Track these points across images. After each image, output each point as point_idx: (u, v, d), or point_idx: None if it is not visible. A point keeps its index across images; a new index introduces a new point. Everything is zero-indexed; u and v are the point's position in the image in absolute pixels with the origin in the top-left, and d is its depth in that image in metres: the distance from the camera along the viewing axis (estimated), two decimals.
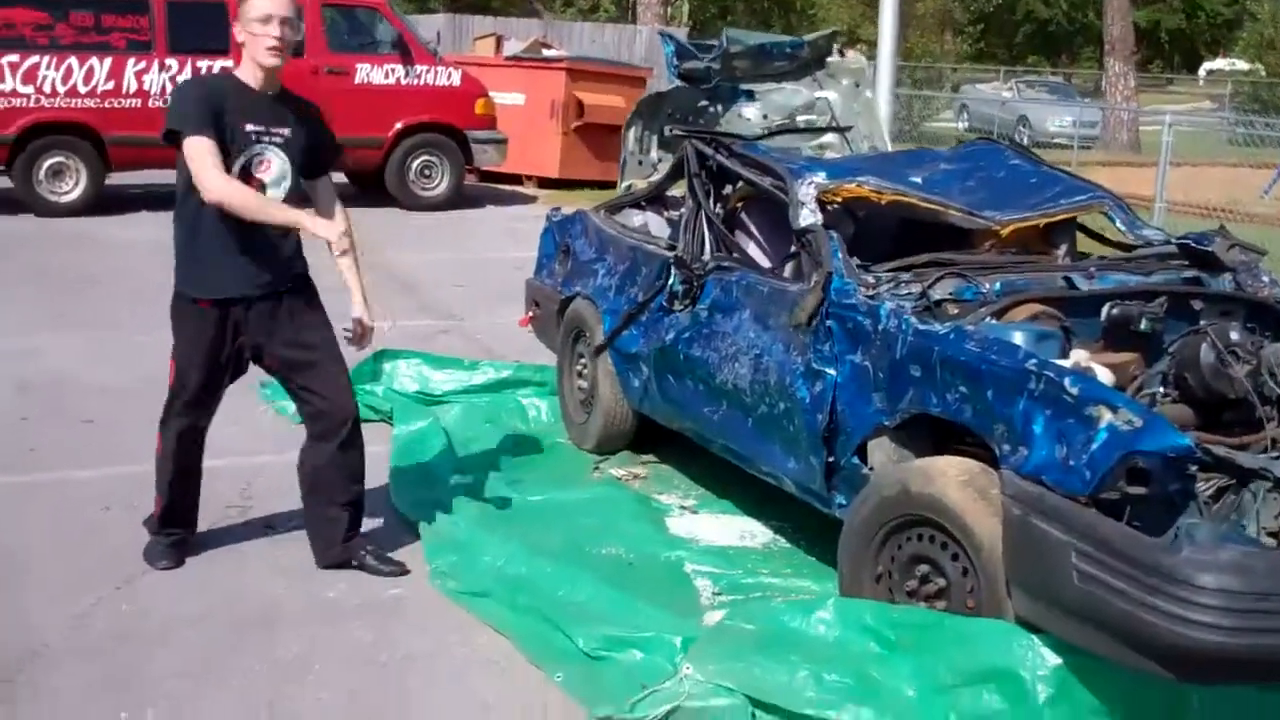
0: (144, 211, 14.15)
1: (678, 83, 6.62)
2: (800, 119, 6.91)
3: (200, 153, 4.38)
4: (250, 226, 4.50)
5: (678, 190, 6.31)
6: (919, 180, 5.49)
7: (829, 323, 4.55)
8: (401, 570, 4.98)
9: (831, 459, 4.53)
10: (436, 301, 10.19)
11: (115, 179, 14.25)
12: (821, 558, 5.09)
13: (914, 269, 4.71)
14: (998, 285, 4.60)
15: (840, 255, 4.70)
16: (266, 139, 4.54)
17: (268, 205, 4.50)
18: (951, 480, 3.90)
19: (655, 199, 6.56)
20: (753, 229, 5.79)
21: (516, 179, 17.83)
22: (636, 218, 6.53)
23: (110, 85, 13.71)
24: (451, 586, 4.83)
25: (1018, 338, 4.03)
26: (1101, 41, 33.42)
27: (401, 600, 4.79)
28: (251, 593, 4.78)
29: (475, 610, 4.66)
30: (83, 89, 13.61)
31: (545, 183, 17.51)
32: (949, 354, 4.01)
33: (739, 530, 5.51)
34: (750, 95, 6.85)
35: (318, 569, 4.98)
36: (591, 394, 6.36)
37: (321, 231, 4.50)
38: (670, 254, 5.72)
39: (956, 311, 4.44)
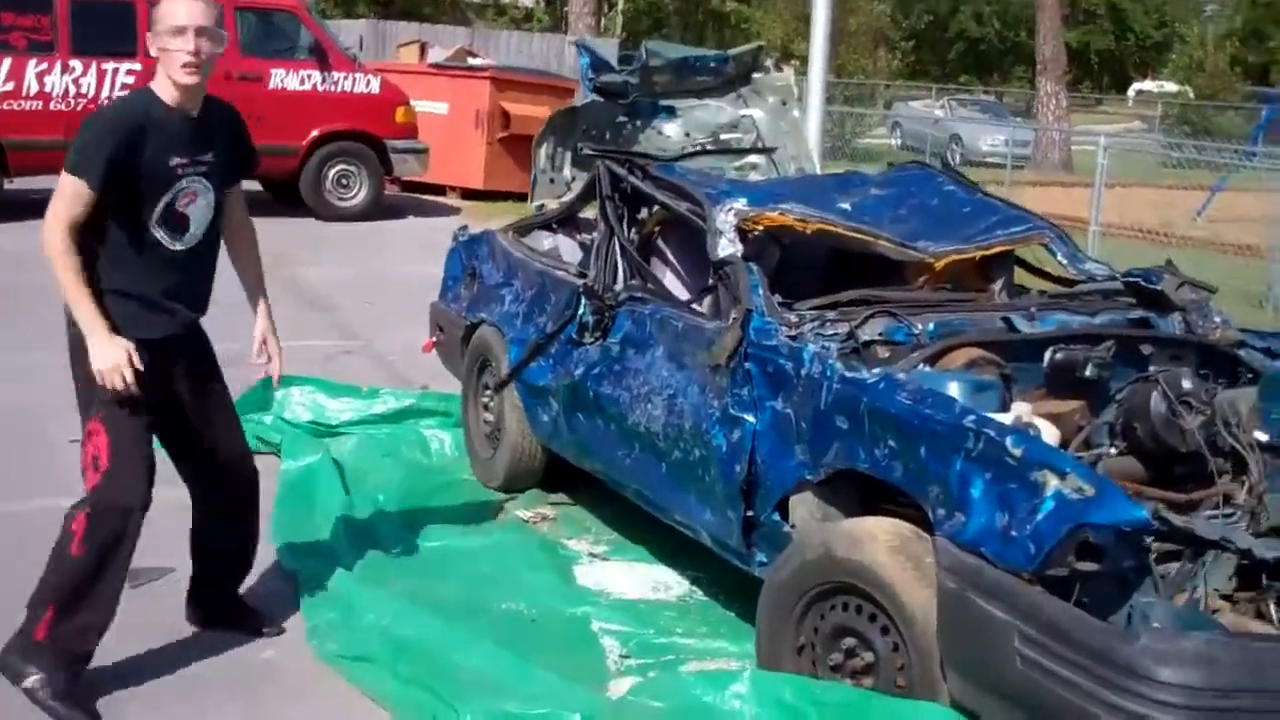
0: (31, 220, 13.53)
1: (593, 96, 6.21)
2: (724, 137, 6.53)
3: (66, 195, 3.80)
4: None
5: (591, 212, 5.89)
6: (847, 207, 5.13)
7: (748, 365, 4.15)
8: (277, 630, 4.52)
9: (750, 513, 4.13)
10: (344, 320, 9.71)
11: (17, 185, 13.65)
12: (741, 614, 4.68)
13: (841, 307, 4.33)
14: (931, 326, 4.23)
15: (761, 291, 4.30)
16: (191, 170, 3.97)
17: (77, 297, 3.82)
18: (881, 545, 3.51)
19: (567, 221, 6.13)
20: (670, 257, 5.38)
21: (440, 189, 17.38)
22: (547, 240, 6.11)
23: (9, 87, 13.11)
24: (330, 649, 4.37)
25: (953, 388, 3.65)
26: (1033, 61, 33.45)
27: (274, 665, 4.33)
28: (104, 651, 4.28)
29: (354, 677, 4.21)
30: None
31: (469, 194, 17.06)
32: (878, 405, 3.62)
33: (652, 581, 5.09)
34: (671, 112, 6.45)
35: (184, 624, 4.50)
36: (498, 428, 5.92)
37: (97, 363, 3.84)
38: (580, 282, 5.30)
39: (887, 355, 4.06)
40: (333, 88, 14.65)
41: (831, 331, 4.15)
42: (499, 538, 5.35)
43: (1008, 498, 3.21)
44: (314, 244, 13.13)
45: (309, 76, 14.51)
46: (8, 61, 13.06)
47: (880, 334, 4.17)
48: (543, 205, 6.31)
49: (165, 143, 3.89)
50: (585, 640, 4.54)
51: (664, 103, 6.42)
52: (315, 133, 14.54)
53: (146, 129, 3.86)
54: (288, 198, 14.93)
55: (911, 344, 4.15)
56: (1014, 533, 3.17)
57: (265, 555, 5.10)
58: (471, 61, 18.36)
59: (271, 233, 13.89)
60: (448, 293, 6.61)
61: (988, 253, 4.94)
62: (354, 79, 14.78)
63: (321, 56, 14.57)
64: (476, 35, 25.46)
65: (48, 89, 13.27)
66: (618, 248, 5.19)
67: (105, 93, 13.47)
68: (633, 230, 5.35)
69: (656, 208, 5.26)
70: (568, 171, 6.27)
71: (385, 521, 5.43)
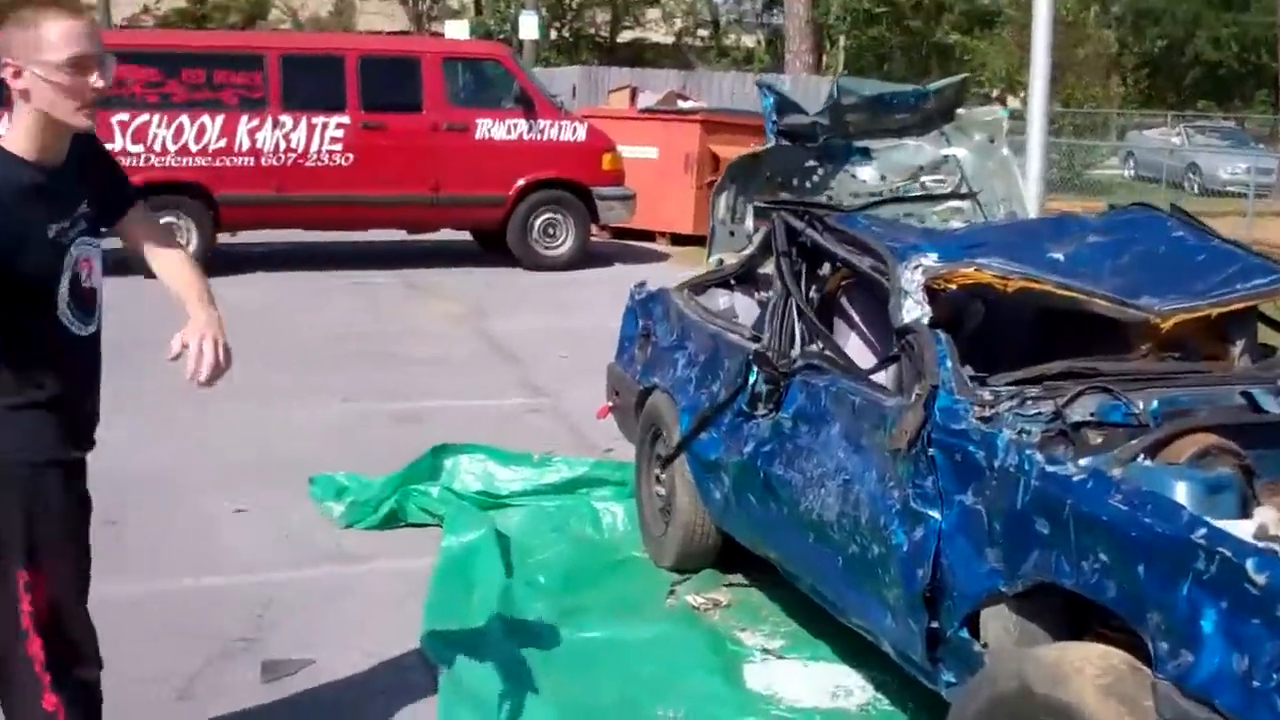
0: (260, 272, 13.70)
1: (779, 140, 5.69)
2: (924, 180, 5.92)
3: None
4: None
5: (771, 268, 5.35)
6: (1059, 257, 4.48)
7: (932, 451, 3.55)
8: None
9: (935, 624, 3.52)
10: (533, 375, 9.36)
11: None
12: None
13: (1046, 380, 3.69)
14: (1155, 405, 3.56)
15: (950, 364, 3.69)
16: (74, 234, 3.07)
17: None
18: (1089, 683, 2.86)
19: (746, 277, 5.61)
20: (856, 319, 4.80)
21: (650, 235, 17.07)
22: (723, 299, 5.59)
23: (222, 143, 13.30)
24: None
25: (1181, 490, 2.99)
26: (1276, 84, 31.50)
27: None
28: None
29: None
30: (194, 147, 13.21)
31: (679, 239, 16.68)
32: (1086, 510, 2.99)
33: (832, 685, 4.49)
34: (866, 154, 5.88)
35: None
36: (669, 503, 5.42)
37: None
38: (753, 347, 4.77)
39: (1099, 441, 3.41)
40: (539, 136, 14.49)
41: (1033, 411, 3.53)
42: (664, 629, 4.83)
43: (1248, 636, 2.55)
44: (514, 295, 12.93)
45: (515, 125, 14.38)
46: (221, 118, 13.26)
47: (1092, 414, 3.53)
48: (721, 260, 5.81)
49: (39, 211, 2.99)
50: None
51: (858, 144, 5.87)
52: (521, 182, 14.39)
53: (9, 205, 2.93)
54: (495, 248, 14.81)
55: (1130, 427, 3.49)
56: (1257, 682, 2.50)
57: (413, 640, 4.73)
58: (681, 105, 18.03)
59: (471, 283, 14.09)
60: (624, 354, 6.16)
61: (1225, 309, 4.22)
62: (560, 126, 14.59)
63: (528, 104, 14.41)
64: (691, 79, 25.16)
65: (259, 144, 13.42)
66: (794, 309, 4.65)
67: (315, 146, 13.57)
68: (812, 289, 4.80)
69: (838, 264, 4.70)
70: (749, 223, 5.74)
71: (545, 607, 4.98)
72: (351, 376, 8.97)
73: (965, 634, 3.39)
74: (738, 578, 5.39)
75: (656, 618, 4.98)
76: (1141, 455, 3.23)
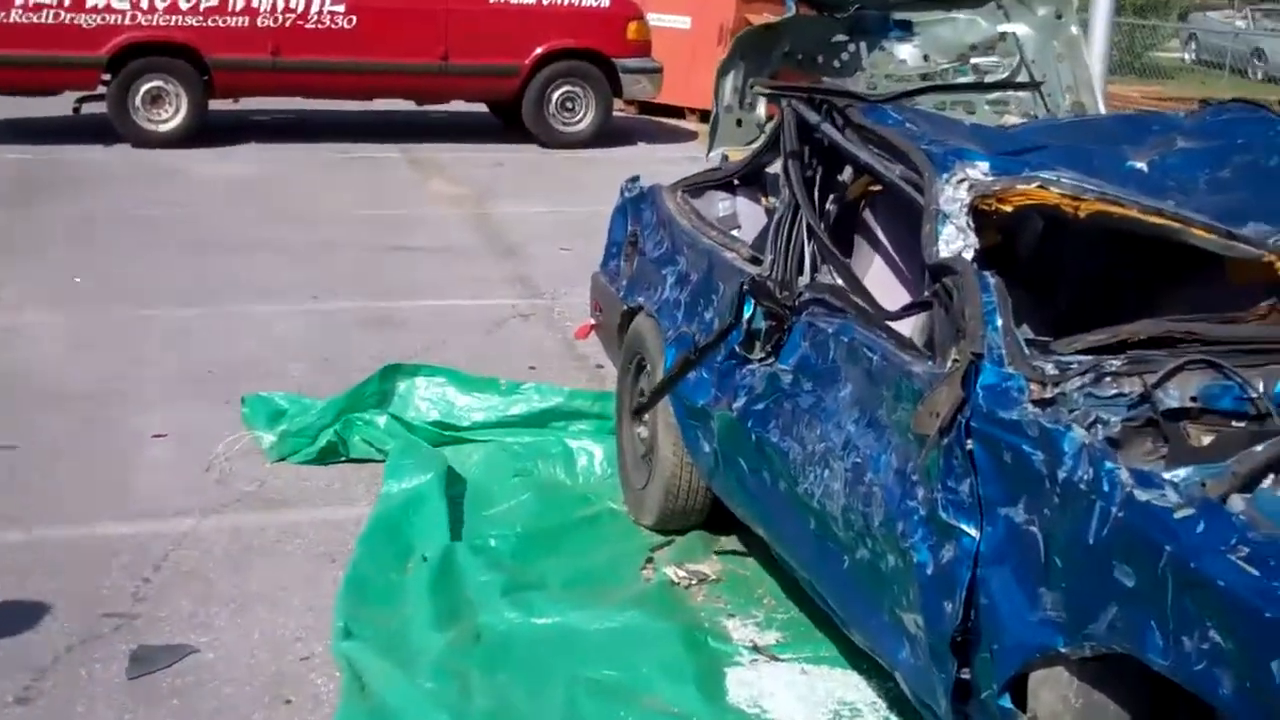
0: (252, 143, 12.74)
1: (800, 9, 4.67)
2: (976, 62, 4.87)
3: None
4: None
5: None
6: (1142, 168, 3.51)
7: (971, 445, 2.59)
8: None
9: (967, 676, 2.60)
10: (530, 271, 8.38)
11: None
12: None
13: (1128, 347, 2.72)
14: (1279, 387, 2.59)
15: (1000, 323, 2.72)
16: None
17: None
18: None
19: (752, 178, 4.61)
20: (883, 241, 3.81)
21: (679, 112, 15.96)
22: (723, 204, 4.60)
23: (214, 1, 12.23)
24: None
25: None
26: None
27: None
28: None
29: None
30: (184, 5, 12.15)
31: (709, 116, 15.54)
32: (1195, 566, 2.04)
33: (834, 701, 3.58)
34: (906, 28, 4.83)
35: None
36: (651, 450, 4.50)
37: None
38: (751, 271, 3.81)
39: (1207, 444, 2.45)
40: (558, 1, 13.34)
41: (1111, 393, 2.57)
42: (632, 618, 3.89)
43: None
44: (525, 176, 11.92)
45: None
46: None
47: (1193, 399, 2.56)
48: (725, 156, 4.81)
49: None
50: None
51: (897, 16, 4.82)
52: (538, 51, 13.26)
53: None
54: (514, 123, 13.77)
55: (1246, 417, 2.53)
56: None
57: (325, 624, 3.87)
58: None
59: (480, 161, 13.05)
60: (609, 263, 5.20)
61: None
62: None
63: None
64: None
65: (254, 3, 12.36)
66: (803, 227, 3.67)
67: (315, 7, 12.53)
68: (828, 201, 3.81)
69: (862, 170, 3.71)
70: (760, 111, 4.73)
71: (492, 580, 4.08)
72: (329, 268, 8.03)
73: (1008, 702, 2.46)
74: (731, 542, 4.48)
75: (625, 599, 4.06)
76: (1272, 473, 2.26)
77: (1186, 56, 28.37)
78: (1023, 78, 4.80)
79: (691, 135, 15.05)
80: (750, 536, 4.25)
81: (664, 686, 3.56)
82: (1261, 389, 2.58)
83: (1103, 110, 4.85)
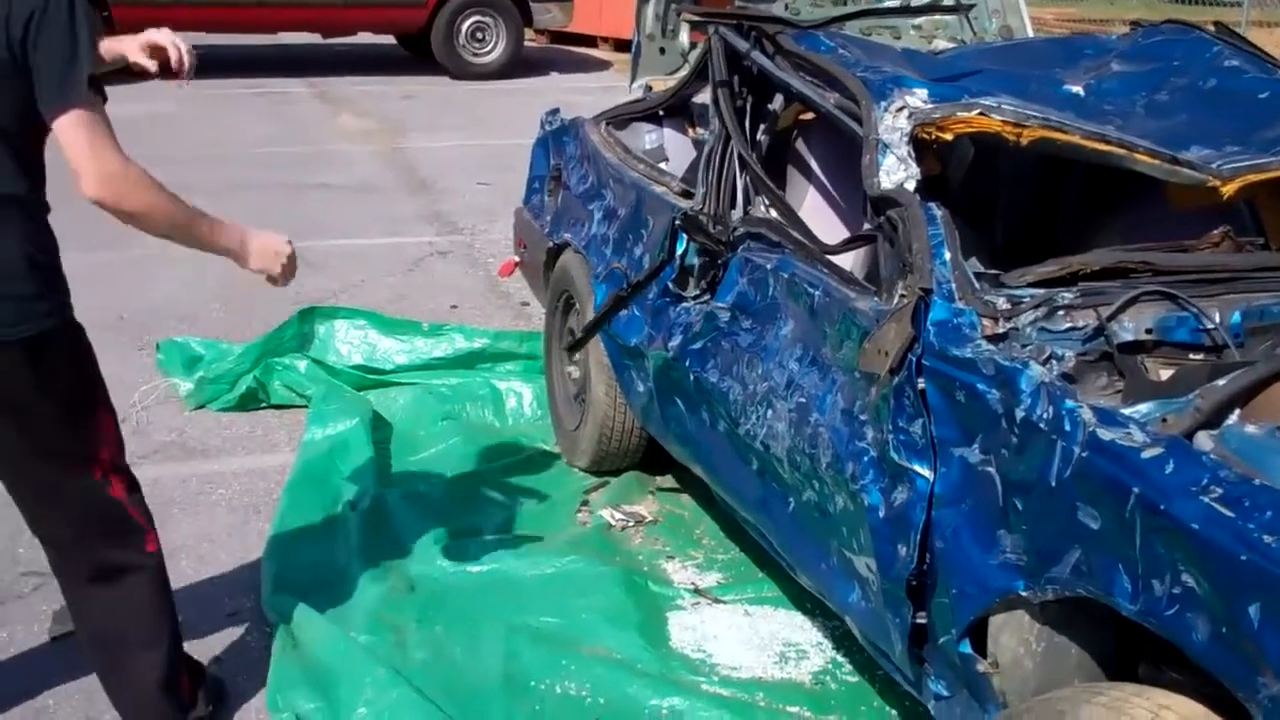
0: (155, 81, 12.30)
1: None
2: None
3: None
4: None
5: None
6: (1078, 92, 3.44)
7: (922, 384, 2.51)
8: None
9: (923, 620, 2.54)
10: (447, 207, 8.22)
11: None
12: (911, 708, 3.14)
13: (1081, 279, 2.65)
14: (1237, 316, 2.54)
15: (949, 256, 2.63)
16: None
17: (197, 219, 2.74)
18: None
19: (679, 109, 4.48)
20: (816, 172, 3.71)
21: (591, 41, 15.74)
22: (649, 135, 4.47)
23: None
24: None
25: None
26: None
27: None
28: None
29: None
30: None
31: (623, 45, 15.33)
32: (1165, 508, 1.97)
33: (780, 642, 3.52)
34: None
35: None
36: (583, 390, 4.40)
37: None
38: (683, 205, 3.70)
39: (1166, 378, 2.39)
40: None
41: (1065, 326, 2.50)
42: (570, 562, 3.81)
43: None
44: (437, 108, 11.69)
45: None
46: None
47: (1149, 331, 2.50)
48: (648, 86, 4.68)
49: None
50: None
51: None
52: None
53: None
54: (423, 53, 13.48)
55: (1204, 349, 2.48)
56: None
57: (252, 578, 3.75)
58: None
59: (388, 94, 12.77)
60: (532, 197, 5.06)
61: None
62: None
63: None
64: None
65: None
66: (736, 158, 3.56)
67: None
68: (760, 130, 3.70)
69: (794, 98, 3.59)
70: (684, 38, 4.60)
71: (424, 527, 3.97)
72: (238, 208, 7.70)
73: (967, 648, 2.40)
74: (667, 481, 4.40)
75: (562, 543, 3.96)
76: (1236, 413, 2.20)
77: None
78: (949, 1, 4.71)
79: (605, 65, 14.86)
80: (687, 476, 4.18)
81: (606, 633, 3.49)
82: (1218, 319, 2.52)
83: (1031, 33, 4.78)
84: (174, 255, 6.76)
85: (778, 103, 3.72)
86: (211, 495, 4.29)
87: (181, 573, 3.78)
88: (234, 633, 3.52)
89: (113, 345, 5.43)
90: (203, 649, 3.39)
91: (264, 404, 4.94)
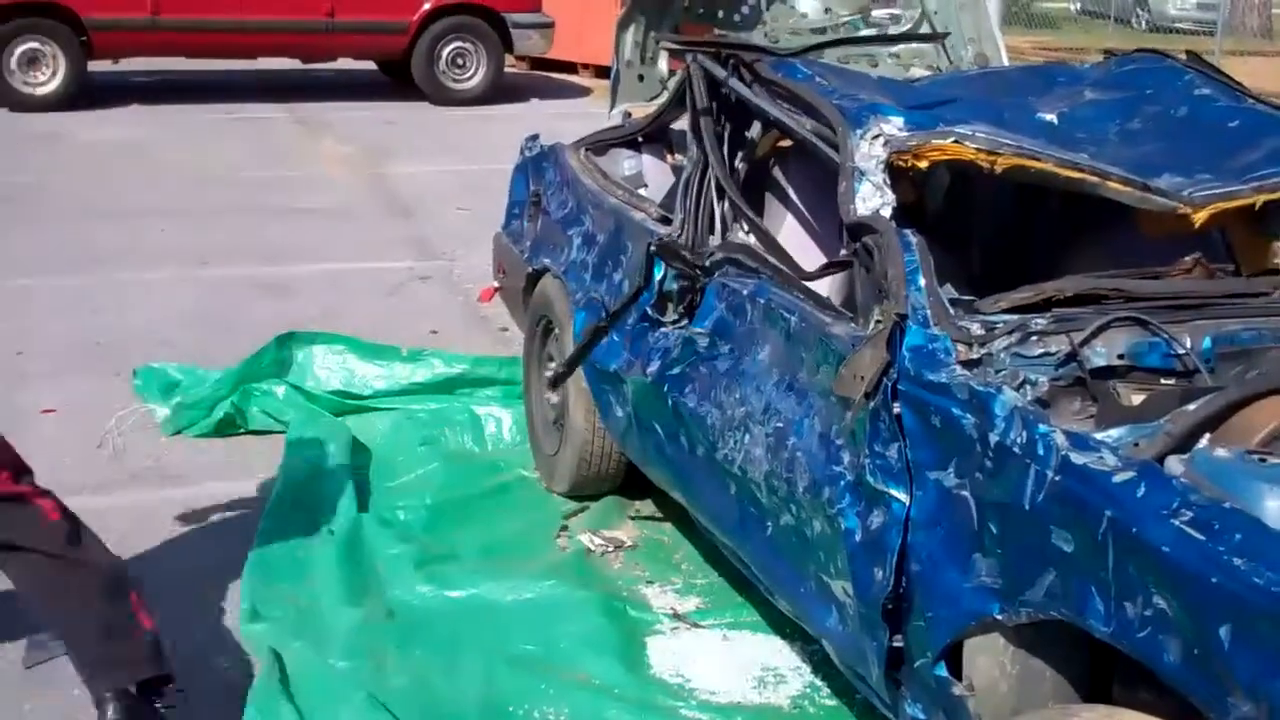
0: (134, 105, 12.35)
1: None
2: (877, 14, 4.83)
3: None
4: None
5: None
6: (1052, 120, 3.48)
7: (898, 408, 2.53)
8: None
9: (899, 643, 2.55)
10: (427, 232, 8.23)
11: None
12: None
13: (1054, 305, 2.68)
14: (1207, 342, 2.57)
15: (924, 282, 2.66)
16: None
17: None
18: None
19: (658, 135, 4.52)
20: (794, 198, 3.74)
21: (571, 67, 15.79)
22: (628, 162, 4.50)
23: None
24: None
25: (1275, 506, 2.00)
26: None
27: None
28: None
29: None
30: None
31: (603, 71, 15.38)
32: (1137, 532, 2.00)
33: (759, 666, 3.54)
34: None
35: None
36: (562, 416, 4.41)
37: None
38: (661, 231, 3.72)
39: (1138, 403, 2.42)
40: None
41: (1039, 351, 2.53)
42: (549, 588, 3.81)
43: None
44: (417, 134, 11.70)
45: None
46: None
47: (1121, 357, 2.53)
48: (627, 113, 4.71)
49: None
50: None
51: None
52: (426, 6, 13.06)
53: None
54: (403, 79, 13.51)
55: (1175, 374, 2.51)
56: None
57: (232, 605, 3.75)
58: None
59: (370, 120, 12.77)
60: (511, 223, 5.08)
61: (1274, 196, 3.21)
62: None
63: None
64: None
65: None
66: (714, 184, 3.59)
67: None
68: (738, 157, 3.73)
69: (771, 125, 3.63)
70: (663, 65, 4.64)
71: (403, 553, 3.97)
72: (218, 232, 7.79)
73: (943, 670, 2.42)
74: (646, 507, 4.41)
75: (541, 569, 3.97)
76: (1205, 438, 2.22)
77: (1072, 6, 28.69)
78: (925, 29, 4.76)
79: (585, 91, 14.91)
80: (665, 500, 4.19)
81: (585, 658, 3.50)
82: (1189, 345, 2.56)
83: (1005, 62, 4.83)
84: (151, 281, 6.81)
85: (756, 130, 3.76)
86: (188, 521, 4.28)
87: (158, 599, 3.77)
88: (212, 660, 3.51)
89: (89, 371, 5.46)
90: (180, 676, 3.37)
91: (242, 430, 4.93)
